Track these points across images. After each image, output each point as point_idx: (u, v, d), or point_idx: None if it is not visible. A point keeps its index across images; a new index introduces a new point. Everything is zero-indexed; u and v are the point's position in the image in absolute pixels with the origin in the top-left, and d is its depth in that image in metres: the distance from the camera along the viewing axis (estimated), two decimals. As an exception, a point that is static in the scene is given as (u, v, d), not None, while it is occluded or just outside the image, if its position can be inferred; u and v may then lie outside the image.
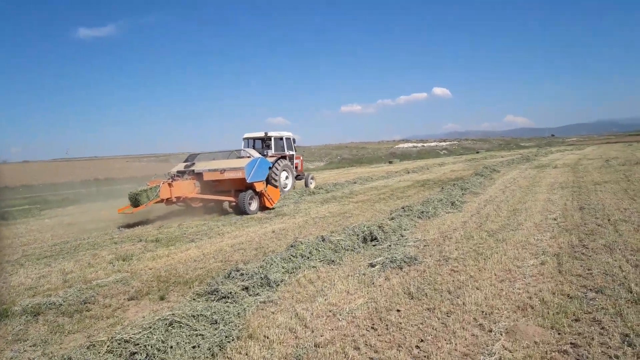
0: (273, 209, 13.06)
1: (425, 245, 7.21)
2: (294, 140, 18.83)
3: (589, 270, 5.35)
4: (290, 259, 6.11)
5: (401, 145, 78.23)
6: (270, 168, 14.42)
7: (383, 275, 5.70)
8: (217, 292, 4.81)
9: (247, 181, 12.19)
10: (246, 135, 17.76)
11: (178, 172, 12.96)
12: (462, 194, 13.28)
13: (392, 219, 9.26)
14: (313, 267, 6.13)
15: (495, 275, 5.44)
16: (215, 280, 5.23)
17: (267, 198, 13.01)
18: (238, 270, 5.43)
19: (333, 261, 6.33)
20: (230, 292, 4.78)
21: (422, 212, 9.92)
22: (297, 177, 18.65)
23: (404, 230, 8.39)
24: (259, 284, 5.19)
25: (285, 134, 18.18)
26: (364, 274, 5.73)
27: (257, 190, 12.68)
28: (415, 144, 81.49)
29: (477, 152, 62.37)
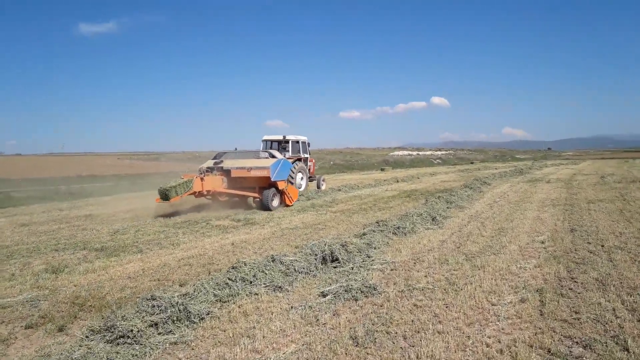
0: (292, 206, 14.15)
1: (392, 270, 6.30)
2: (308, 144, 19.99)
3: (576, 313, 4.45)
4: (227, 283, 5.19)
5: (396, 153, 77.42)
6: (291, 169, 15.28)
7: (332, 308, 4.78)
8: (114, 329, 3.87)
9: (272, 180, 13.27)
10: (265, 137, 18.80)
11: (208, 168, 13.80)
12: (447, 207, 12.40)
13: (364, 234, 8.36)
14: (255, 294, 5.21)
15: (465, 315, 4.52)
16: (114, 314, 4.27)
17: (287, 196, 14.14)
18: (152, 299, 4.48)
19: (280, 287, 5.40)
20: (132, 330, 3.83)
21: (398, 228, 9.01)
22: (310, 179, 19.53)
23: (374, 248, 7.48)
24: (175, 318, 4.25)
25: (301, 137, 19.26)
26: (310, 307, 4.81)
27: (280, 188, 13.78)
28: (410, 152, 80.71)
29: (472, 163, 61.61)
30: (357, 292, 5.08)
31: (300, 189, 17.46)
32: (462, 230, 9.19)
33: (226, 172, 13.57)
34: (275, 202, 13.73)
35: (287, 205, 14.11)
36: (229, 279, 5.31)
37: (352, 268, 6.21)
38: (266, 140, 18.82)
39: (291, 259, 6.02)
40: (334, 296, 5.02)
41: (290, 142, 18.58)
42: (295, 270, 5.86)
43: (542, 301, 4.82)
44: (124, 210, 14.61)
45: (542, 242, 7.82)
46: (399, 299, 5.03)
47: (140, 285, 6.03)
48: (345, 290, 5.12)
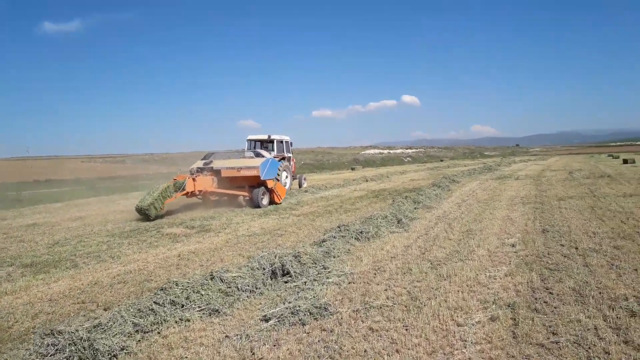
0: (280, 204, 14.45)
1: (349, 283, 5.63)
2: (291, 143, 20.54)
3: (554, 335, 3.85)
4: (152, 309, 4.41)
5: (367, 152, 77.20)
6: (278, 168, 15.78)
7: (274, 337, 4.07)
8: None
9: (261, 178, 13.66)
10: (250, 137, 19.13)
11: (198, 168, 14.05)
12: (414, 208, 11.84)
13: (323, 241, 7.67)
14: (186, 320, 4.45)
15: (427, 340, 3.88)
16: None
17: (276, 194, 14.44)
18: (51, 336, 3.67)
19: (217, 311, 4.65)
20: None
21: (361, 233, 8.37)
22: (292, 178, 19.95)
23: (333, 257, 6.80)
24: (77, 359, 3.46)
25: (285, 137, 19.82)
26: (247, 336, 4.08)
27: (269, 187, 14.17)
28: (381, 151, 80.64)
29: (442, 160, 61.77)
30: (305, 314, 4.38)
31: (285, 187, 17.64)
32: (428, 233, 8.61)
33: (216, 172, 13.86)
34: (265, 201, 14.06)
35: (276, 203, 14.40)
36: (156, 302, 4.54)
37: (305, 283, 5.51)
38: (251, 140, 19.06)
39: (234, 275, 5.26)
40: (278, 320, 4.30)
41: (274, 141, 18.94)
42: (238, 288, 5.11)
43: (515, 319, 4.21)
44: (73, 217, 13.59)
45: (513, 246, 7.28)
46: (353, 321, 4.35)
47: (59, 311, 5.20)
48: (292, 313, 4.41)
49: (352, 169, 44.24)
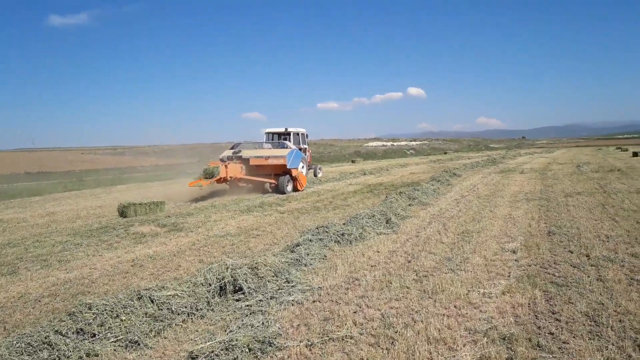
0: (302, 190, 15.74)
1: (314, 301, 4.66)
2: (307, 135, 21.34)
3: (563, 389, 2.87)
4: (48, 342, 3.46)
5: (370, 144, 76.06)
6: (301, 158, 16.72)
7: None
8: None
9: (287, 167, 14.75)
10: (268, 130, 19.99)
11: (228, 157, 15.00)
12: (408, 205, 10.86)
13: (297, 245, 6.71)
14: (94, 355, 3.50)
15: (393, 395, 2.91)
16: None
17: (299, 182, 15.69)
18: None
19: (137, 342, 3.69)
20: None
21: (343, 235, 7.39)
22: (308, 168, 20.62)
23: (304, 265, 5.87)
24: None
25: (301, 130, 20.53)
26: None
27: (293, 175, 15.30)
28: (384, 143, 79.45)
29: (445, 153, 60.56)
30: (242, 352, 3.42)
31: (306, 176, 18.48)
32: (419, 235, 7.63)
33: (245, 161, 14.95)
34: (290, 187, 15.13)
35: (298, 190, 15.62)
36: (58, 332, 3.59)
37: (260, 301, 4.55)
38: (269, 133, 19.92)
39: (169, 293, 4.30)
40: None
41: (291, 134, 19.65)
42: (171, 311, 4.15)
43: (512, 361, 3.24)
44: (44, 213, 12.70)
45: (514, 252, 6.29)
46: (304, 361, 3.39)
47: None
48: (226, 349, 3.44)
49: (353, 161, 43.18)
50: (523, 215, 9.06)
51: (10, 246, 8.37)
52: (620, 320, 3.86)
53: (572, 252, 6.13)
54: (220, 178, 14.03)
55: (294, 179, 15.49)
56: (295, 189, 15.59)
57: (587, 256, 5.92)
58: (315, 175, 21.58)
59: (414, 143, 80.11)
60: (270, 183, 15.41)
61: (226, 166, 14.12)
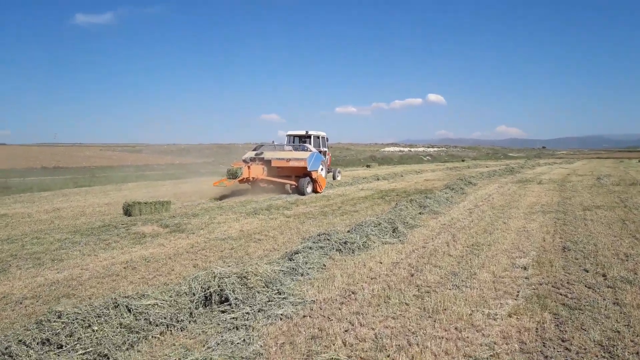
0: (321, 193, 15.95)
1: (304, 316, 4.35)
2: (327, 139, 21.82)
3: None
4: (8, 353, 3.21)
5: (387, 149, 75.49)
6: (322, 161, 17.09)
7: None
8: None
9: (308, 169, 15.17)
10: (289, 132, 20.43)
11: (250, 158, 15.36)
12: (418, 213, 10.49)
13: (296, 253, 6.42)
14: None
15: None
16: None
17: (318, 184, 15.95)
18: None
19: (106, 356, 3.42)
20: None
21: (345, 243, 7.08)
22: (327, 171, 20.94)
23: (300, 276, 5.57)
24: None
25: (321, 133, 20.87)
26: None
27: (313, 177, 15.65)
28: (401, 149, 78.81)
29: (463, 160, 59.72)
30: (216, 372, 3.12)
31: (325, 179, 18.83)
32: (426, 246, 7.28)
33: (266, 162, 15.35)
34: (309, 189, 15.52)
35: (318, 192, 15.87)
36: (21, 342, 3.34)
37: (247, 314, 4.26)
38: (290, 135, 20.38)
39: (149, 302, 4.03)
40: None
41: (312, 137, 19.94)
42: (149, 322, 3.88)
43: (512, 398, 2.89)
44: (50, 209, 12.60)
45: (525, 268, 5.91)
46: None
47: None
48: (199, 368, 3.15)
49: (368, 166, 42.77)
50: (538, 229, 8.64)
51: (8, 242, 8.23)
52: (637, 353, 3.48)
53: (587, 271, 5.73)
54: (243, 178, 14.46)
55: (313, 181, 15.79)
56: (315, 191, 15.94)
57: (603, 276, 5.52)
58: (334, 178, 21.85)
59: (431, 149, 79.32)
60: (291, 184, 15.64)
61: (249, 167, 14.61)
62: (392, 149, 76.53)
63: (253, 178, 14.96)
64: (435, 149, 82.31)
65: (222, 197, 14.67)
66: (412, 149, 77.76)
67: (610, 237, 7.75)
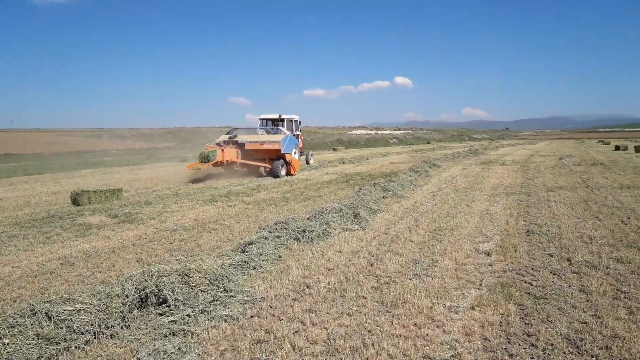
0: (295, 175, 16.18)
1: (252, 317, 3.96)
2: (300, 122, 21.99)
3: None
4: None
5: (354, 132, 75.37)
6: (295, 144, 17.41)
7: None
8: None
9: (282, 152, 15.38)
10: (262, 116, 20.52)
11: (224, 141, 15.49)
12: (382, 197, 10.21)
13: (250, 244, 6.00)
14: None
15: None
16: None
17: (292, 167, 16.19)
18: None
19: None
20: None
21: (304, 232, 6.70)
22: (300, 154, 21.12)
23: (253, 269, 5.18)
24: None
25: (294, 117, 21.15)
26: None
27: (287, 159, 15.86)
28: (368, 132, 78.84)
29: (428, 143, 60.16)
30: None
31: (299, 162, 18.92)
32: (388, 232, 6.98)
33: (240, 145, 15.41)
34: (283, 172, 15.69)
35: (291, 174, 16.08)
36: None
37: (188, 316, 3.84)
38: (263, 119, 20.47)
39: (73, 307, 3.55)
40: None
41: (285, 120, 20.10)
42: (73, 330, 3.42)
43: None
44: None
45: (488, 254, 5.67)
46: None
47: None
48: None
49: (334, 149, 42.49)
50: (501, 211, 8.47)
51: None
52: (607, 347, 3.24)
53: (552, 256, 5.53)
54: (217, 161, 14.48)
55: (287, 164, 15.99)
56: (288, 173, 16.11)
57: (568, 261, 5.32)
58: (307, 162, 21.97)
59: (397, 132, 79.66)
60: (265, 167, 15.83)
61: (222, 150, 14.63)
62: (359, 132, 76.44)
63: (227, 161, 14.91)
64: (402, 131, 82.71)
65: (182, 184, 14.09)
66: (379, 132, 77.88)
67: (574, 219, 7.63)
